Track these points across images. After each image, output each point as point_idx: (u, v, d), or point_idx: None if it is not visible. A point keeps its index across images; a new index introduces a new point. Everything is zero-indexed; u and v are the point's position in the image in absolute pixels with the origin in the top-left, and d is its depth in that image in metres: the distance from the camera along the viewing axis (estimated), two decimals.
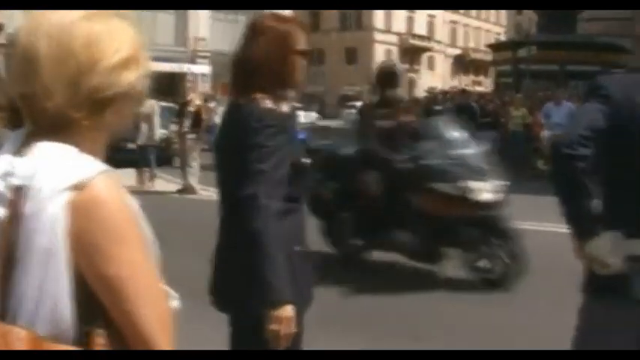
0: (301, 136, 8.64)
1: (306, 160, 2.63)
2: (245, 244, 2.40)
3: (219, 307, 2.66)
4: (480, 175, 6.61)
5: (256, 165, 2.40)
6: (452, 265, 6.80)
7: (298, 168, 2.56)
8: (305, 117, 39.91)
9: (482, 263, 6.60)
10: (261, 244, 2.36)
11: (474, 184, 6.48)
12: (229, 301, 2.61)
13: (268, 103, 2.50)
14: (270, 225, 2.37)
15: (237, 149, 2.49)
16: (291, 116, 2.64)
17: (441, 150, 6.77)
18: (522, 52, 26.60)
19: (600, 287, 2.65)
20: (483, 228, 6.51)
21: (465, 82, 66.37)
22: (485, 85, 47.49)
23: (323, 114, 46.53)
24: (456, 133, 7.16)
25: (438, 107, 13.94)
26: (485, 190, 6.52)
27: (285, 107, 2.57)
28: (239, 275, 2.50)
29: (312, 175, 7.43)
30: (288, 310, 2.37)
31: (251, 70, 2.56)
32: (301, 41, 2.62)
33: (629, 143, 2.56)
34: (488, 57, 38.57)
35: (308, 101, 44.66)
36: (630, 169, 2.60)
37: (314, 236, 7.40)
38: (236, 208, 2.46)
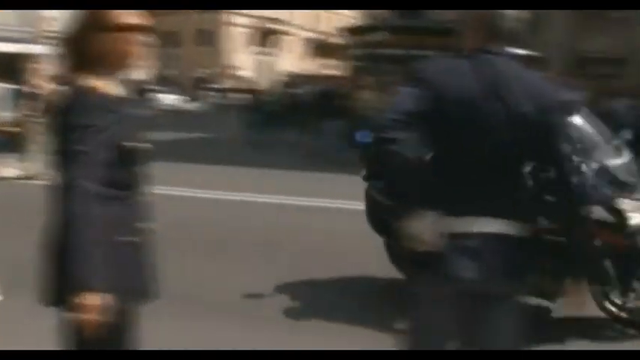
0: (361, 134, 7.31)
1: (143, 145, 2.49)
2: (61, 228, 2.26)
3: (45, 301, 2.47)
4: (629, 191, 5.17)
5: (76, 146, 2.27)
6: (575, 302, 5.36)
7: (127, 152, 2.43)
8: (166, 99, 39.28)
9: (618, 299, 5.18)
10: (74, 228, 2.21)
11: (625, 204, 5.00)
12: (53, 294, 2.43)
13: (92, 83, 2.40)
14: (86, 209, 2.23)
15: (62, 130, 2.36)
16: (123, 97, 2.52)
17: (577, 158, 4.90)
18: (376, 37, 27.17)
19: (420, 264, 2.72)
20: (628, 257, 5.04)
21: (321, 65, 67.28)
22: (340, 69, 48.30)
23: (186, 97, 45.83)
24: (594, 136, 5.44)
25: (297, 91, 13.84)
26: (636, 211, 5.04)
27: (114, 87, 2.47)
28: (59, 264, 2.33)
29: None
30: (94, 298, 2.21)
31: (73, 50, 2.47)
32: (124, 17, 2.46)
33: (446, 125, 2.64)
34: (344, 41, 39.14)
35: (164, 84, 43.91)
36: (448, 150, 2.68)
37: (377, 256, 6.33)
38: (57, 192, 2.31)
